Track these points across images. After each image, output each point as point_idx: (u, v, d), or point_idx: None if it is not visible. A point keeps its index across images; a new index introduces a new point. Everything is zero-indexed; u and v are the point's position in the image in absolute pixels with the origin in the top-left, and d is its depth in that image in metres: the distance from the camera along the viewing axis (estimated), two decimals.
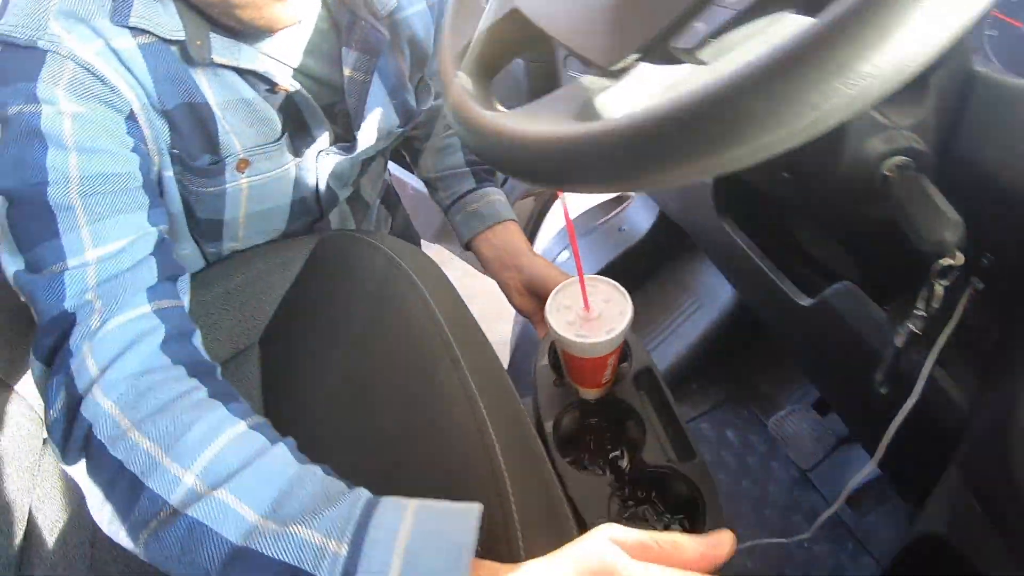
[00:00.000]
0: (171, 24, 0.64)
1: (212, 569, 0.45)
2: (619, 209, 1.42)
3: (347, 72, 0.76)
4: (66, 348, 0.54)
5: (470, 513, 0.46)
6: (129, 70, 0.62)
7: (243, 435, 0.52)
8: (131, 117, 0.63)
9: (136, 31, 0.62)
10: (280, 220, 0.83)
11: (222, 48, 0.66)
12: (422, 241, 1.40)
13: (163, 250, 0.63)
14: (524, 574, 0.45)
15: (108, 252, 0.58)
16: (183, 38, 0.64)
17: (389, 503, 0.48)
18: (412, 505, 0.47)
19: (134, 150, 0.63)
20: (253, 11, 0.63)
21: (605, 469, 0.74)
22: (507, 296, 0.94)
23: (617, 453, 0.75)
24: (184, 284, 0.65)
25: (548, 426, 0.74)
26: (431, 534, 0.45)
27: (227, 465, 0.49)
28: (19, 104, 0.57)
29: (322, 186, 0.83)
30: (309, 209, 0.85)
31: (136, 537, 0.48)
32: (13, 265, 0.58)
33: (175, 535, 0.46)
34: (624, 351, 0.80)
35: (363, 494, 0.49)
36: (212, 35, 0.66)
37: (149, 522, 0.48)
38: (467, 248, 0.97)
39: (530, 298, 0.92)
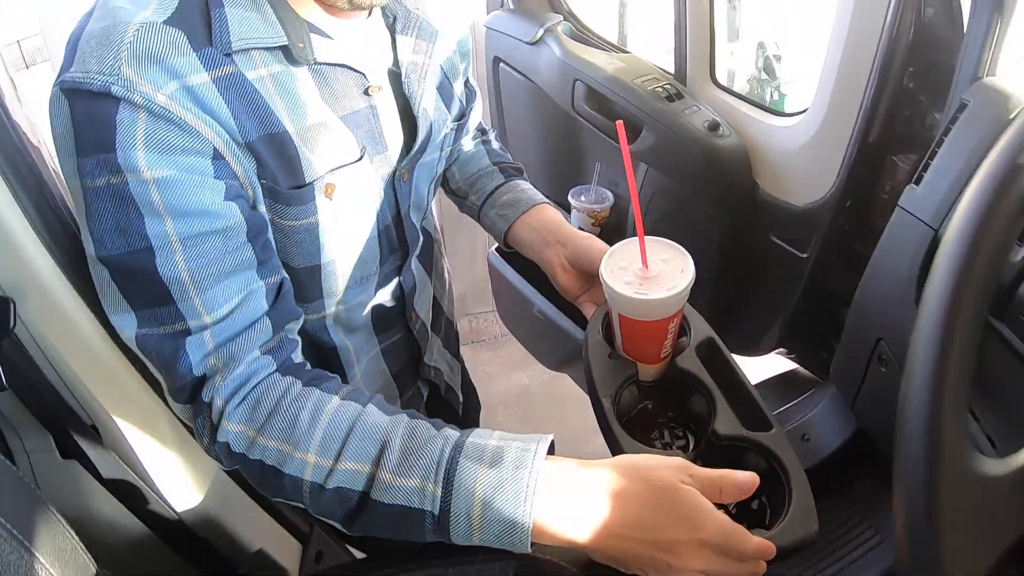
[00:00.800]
0: (272, 32, 0.66)
1: (357, 515, 0.61)
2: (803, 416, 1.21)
3: (407, 58, 0.79)
4: (199, 400, 0.64)
5: (542, 444, 0.60)
6: (206, 109, 0.62)
7: (340, 407, 0.64)
8: (217, 156, 0.63)
9: (219, 62, 0.63)
10: (373, 260, 0.83)
11: (320, 48, 0.70)
12: None
13: (278, 304, 0.68)
14: (597, 477, 0.58)
15: (220, 316, 0.63)
16: (286, 43, 0.66)
17: (471, 445, 0.60)
18: (491, 444, 0.60)
19: (228, 196, 0.64)
20: None
21: (672, 444, 0.72)
22: (552, 277, 0.90)
23: (684, 429, 0.73)
24: (299, 320, 0.71)
25: (607, 403, 0.71)
26: (506, 487, 0.58)
27: (336, 437, 0.62)
28: (105, 176, 0.58)
29: (403, 208, 0.84)
30: (393, 245, 0.86)
31: (299, 503, 0.63)
32: (130, 328, 0.63)
33: (325, 499, 0.61)
34: (683, 326, 0.78)
35: (450, 435, 0.62)
36: (312, 36, 0.69)
37: (300, 496, 0.62)
38: (506, 242, 0.96)
39: (575, 275, 0.88)
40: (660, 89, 1.34)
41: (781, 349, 1.53)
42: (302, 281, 0.77)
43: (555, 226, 0.92)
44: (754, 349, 1.53)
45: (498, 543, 0.57)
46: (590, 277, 0.86)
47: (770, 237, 1.30)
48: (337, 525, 0.63)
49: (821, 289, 1.31)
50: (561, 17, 1.57)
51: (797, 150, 1.21)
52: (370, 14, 0.76)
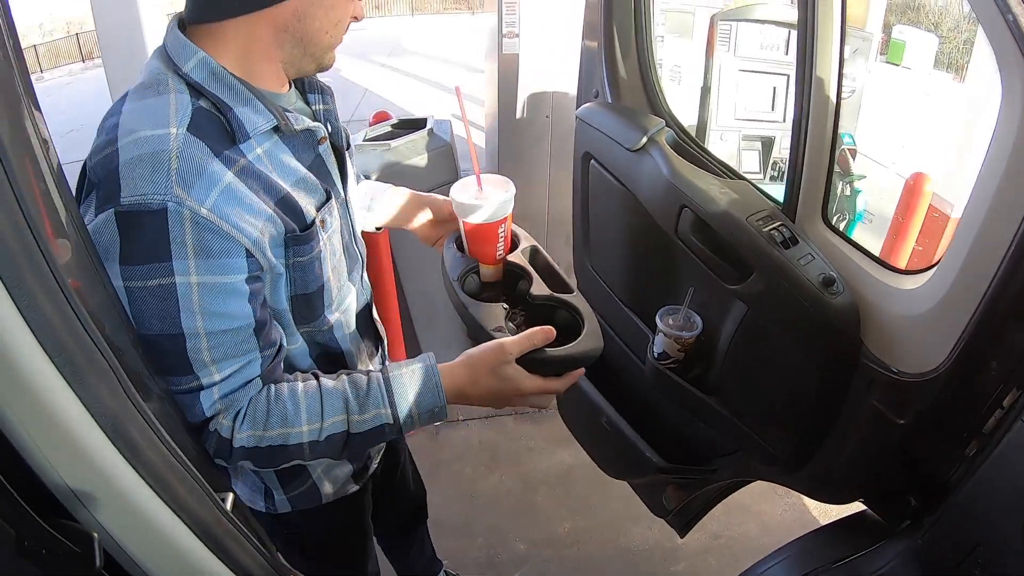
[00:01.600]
0: (265, 119, 0.86)
1: (344, 447, 0.90)
2: None
3: (320, 109, 1.03)
4: (207, 431, 0.86)
5: (431, 359, 0.95)
6: (240, 201, 0.81)
7: (306, 388, 0.90)
8: (248, 255, 0.82)
9: (237, 154, 0.83)
10: (345, 271, 1.06)
11: (292, 120, 0.90)
12: None
13: (270, 364, 0.90)
14: (465, 371, 0.94)
15: (228, 375, 0.85)
16: (276, 123, 0.87)
17: (395, 377, 0.92)
18: (405, 371, 0.92)
19: (249, 299, 0.85)
20: (331, 55, 0.94)
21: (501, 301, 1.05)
22: (420, 234, 1.29)
23: (513, 303, 1.07)
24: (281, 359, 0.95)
25: (456, 283, 1.07)
26: (422, 381, 0.92)
27: (315, 408, 0.88)
28: (156, 279, 0.76)
29: (354, 227, 1.10)
30: (354, 256, 1.10)
31: (299, 459, 0.90)
32: (150, 382, 0.77)
33: (320, 448, 0.89)
34: (514, 240, 1.12)
35: (376, 376, 0.92)
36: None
37: (302, 455, 0.89)
38: (378, 226, 1.30)
39: (437, 225, 1.27)
40: (776, 232, 1.25)
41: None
42: (313, 301, 0.98)
43: (414, 197, 1.28)
44: (830, 497, 1.49)
45: (429, 422, 0.94)
46: (447, 225, 1.25)
47: (866, 397, 1.22)
48: (330, 458, 0.95)
49: (913, 453, 1.23)
50: (663, 123, 1.50)
51: (916, 316, 1.12)
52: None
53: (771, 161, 2.99)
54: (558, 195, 2.53)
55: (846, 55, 2.84)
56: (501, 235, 1.06)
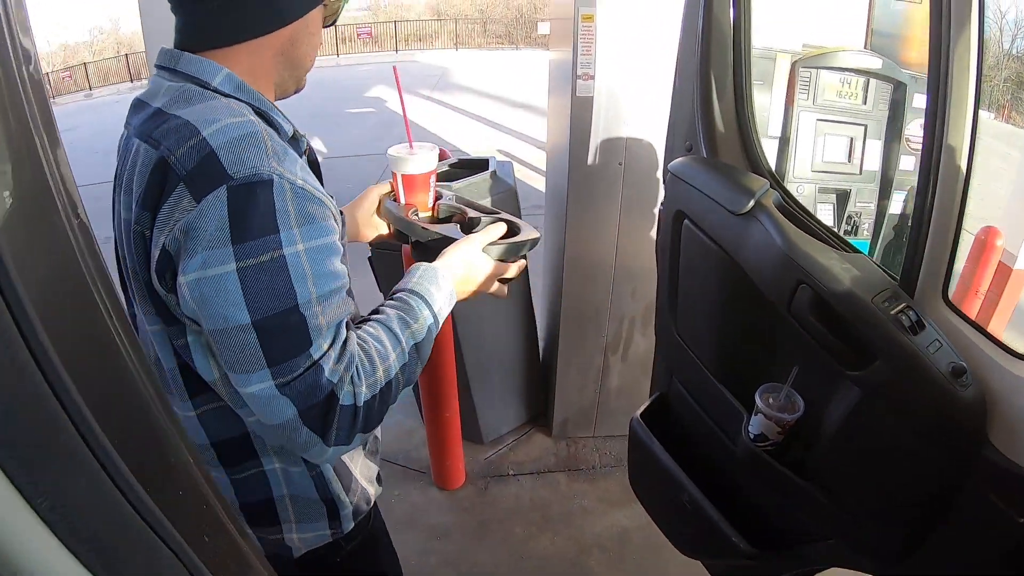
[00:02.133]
0: (288, 125, 0.97)
1: (420, 355, 0.99)
2: None
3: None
4: (341, 406, 0.85)
5: (434, 268, 1.07)
6: (314, 177, 0.90)
7: (374, 324, 0.95)
8: (334, 218, 0.89)
9: (292, 147, 0.93)
10: None
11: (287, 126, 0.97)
12: None
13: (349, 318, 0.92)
14: (457, 266, 1.10)
15: (334, 338, 0.86)
16: (294, 130, 0.98)
17: (423, 290, 1.02)
18: (425, 282, 1.03)
19: (343, 256, 0.91)
20: (305, 78, 1.03)
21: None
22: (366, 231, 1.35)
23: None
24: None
25: (402, 215, 1.24)
26: (437, 284, 1.04)
27: (390, 336, 0.94)
28: (269, 252, 0.79)
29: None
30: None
31: (406, 384, 0.96)
32: (259, 381, 0.81)
33: (412, 365, 0.97)
34: (439, 195, 1.30)
35: (407, 294, 1.01)
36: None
37: (405, 377, 0.96)
38: None
39: (370, 222, 1.34)
40: (903, 316, 1.12)
41: None
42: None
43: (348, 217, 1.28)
44: None
45: (449, 310, 1.06)
46: (376, 215, 1.34)
47: (987, 496, 1.10)
48: (412, 375, 0.97)
49: None
50: (768, 184, 1.37)
51: None
52: None
53: (846, 215, 2.85)
54: (628, 246, 2.41)
55: (920, 104, 2.69)
56: (432, 184, 1.26)
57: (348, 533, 1.15)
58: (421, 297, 1.00)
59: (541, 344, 2.89)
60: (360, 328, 0.93)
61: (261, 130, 0.83)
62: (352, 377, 0.86)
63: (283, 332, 0.81)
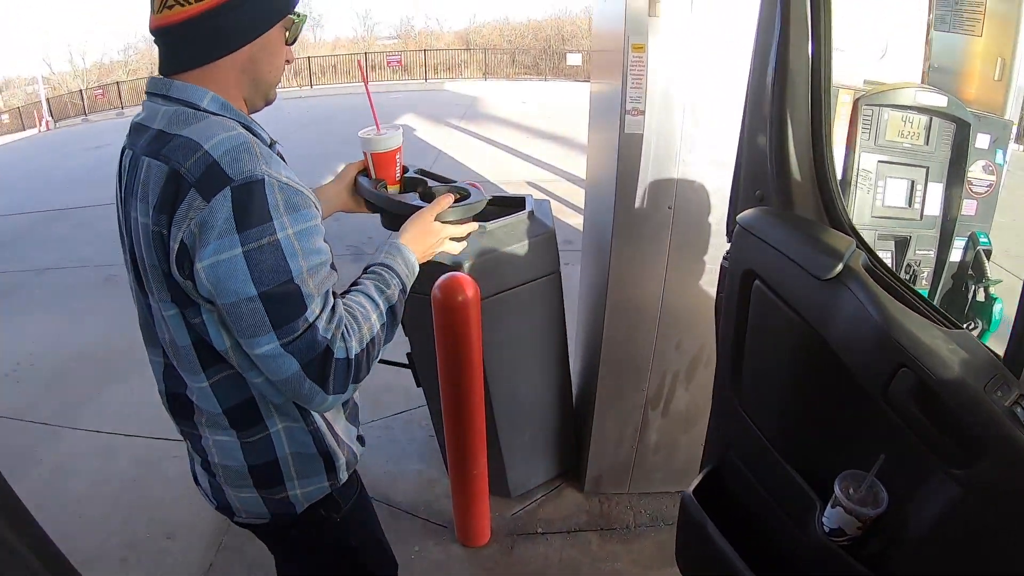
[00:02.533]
0: (266, 135, 1.17)
1: (394, 315, 1.19)
2: None
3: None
4: (336, 359, 1.06)
5: (397, 240, 1.29)
6: (293, 174, 1.08)
7: (355, 292, 1.18)
8: (314, 205, 1.08)
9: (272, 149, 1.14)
10: None
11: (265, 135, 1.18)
12: None
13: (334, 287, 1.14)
14: (414, 237, 1.30)
15: (323, 304, 1.06)
16: (269, 140, 1.17)
17: (392, 261, 1.25)
18: (392, 254, 1.26)
19: (324, 237, 1.09)
20: (274, 92, 1.21)
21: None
22: (344, 207, 1.49)
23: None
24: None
25: (372, 188, 1.42)
26: (401, 254, 1.27)
27: (369, 301, 1.16)
28: (267, 237, 0.99)
29: None
30: None
31: (384, 340, 1.17)
32: (267, 343, 1.02)
33: (390, 324, 1.18)
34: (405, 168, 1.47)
35: (379, 266, 1.24)
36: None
37: (384, 335, 1.17)
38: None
39: (345, 194, 1.48)
40: (1020, 409, 0.96)
41: None
42: None
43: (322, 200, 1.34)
44: None
45: (413, 276, 1.28)
46: (349, 187, 1.48)
47: None
48: (390, 332, 1.19)
49: None
50: (854, 244, 1.20)
51: None
52: None
53: (905, 263, 2.66)
54: (674, 295, 2.23)
55: (983, 145, 2.49)
56: (398, 161, 1.43)
57: (343, 488, 1.33)
58: (389, 267, 1.23)
59: (574, 390, 2.71)
60: (345, 296, 1.16)
61: (250, 140, 1.03)
62: (343, 334, 1.07)
63: (283, 299, 1.01)
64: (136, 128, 1.10)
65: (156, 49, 1.12)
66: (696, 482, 1.61)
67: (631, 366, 2.36)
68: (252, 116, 1.17)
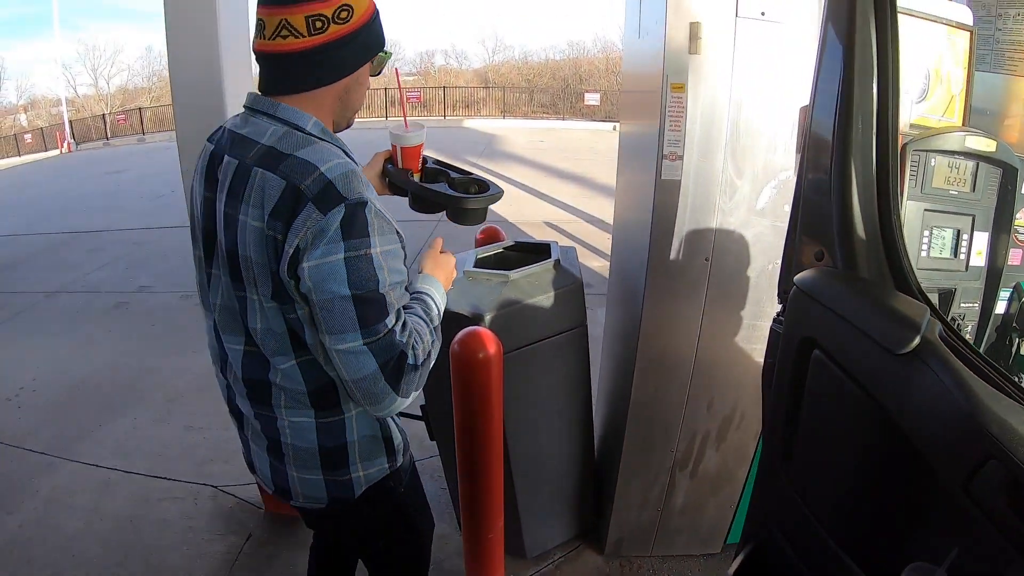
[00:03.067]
0: (353, 158, 1.29)
1: (438, 335, 1.34)
2: None
3: None
4: (407, 365, 1.21)
5: (429, 274, 1.46)
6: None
7: (413, 314, 1.30)
8: (397, 232, 1.24)
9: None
10: None
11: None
12: None
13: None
14: (435, 268, 1.47)
15: (399, 315, 1.22)
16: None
17: (432, 293, 1.39)
18: (430, 287, 1.41)
19: (404, 260, 1.26)
20: (354, 117, 1.38)
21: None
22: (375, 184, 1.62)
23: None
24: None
25: (405, 175, 1.59)
26: (434, 286, 1.43)
27: (425, 322, 1.31)
28: (364, 249, 1.15)
29: None
30: None
31: (433, 354, 1.30)
32: (353, 340, 1.16)
33: (438, 342, 1.33)
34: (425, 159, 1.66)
35: (422, 295, 1.38)
36: None
37: (435, 351, 1.31)
38: None
39: (380, 179, 1.65)
40: None
41: None
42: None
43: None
44: None
45: (443, 302, 1.43)
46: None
47: None
48: (437, 348, 1.32)
49: None
50: (928, 312, 1.08)
51: None
52: None
53: (949, 317, 2.52)
54: (709, 353, 2.09)
55: None
56: (422, 153, 1.61)
57: (400, 465, 1.48)
58: (428, 294, 1.38)
59: (595, 444, 2.56)
60: (407, 315, 1.28)
61: (357, 168, 1.20)
62: (413, 343, 1.22)
63: (370, 303, 1.16)
64: (240, 139, 1.25)
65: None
66: (738, 562, 1.47)
67: (660, 426, 2.21)
68: (336, 130, 1.36)
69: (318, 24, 1.19)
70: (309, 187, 1.13)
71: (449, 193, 1.52)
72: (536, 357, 2.10)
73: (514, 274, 2.04)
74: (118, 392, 4.01)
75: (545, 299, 2.05)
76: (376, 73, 1.35)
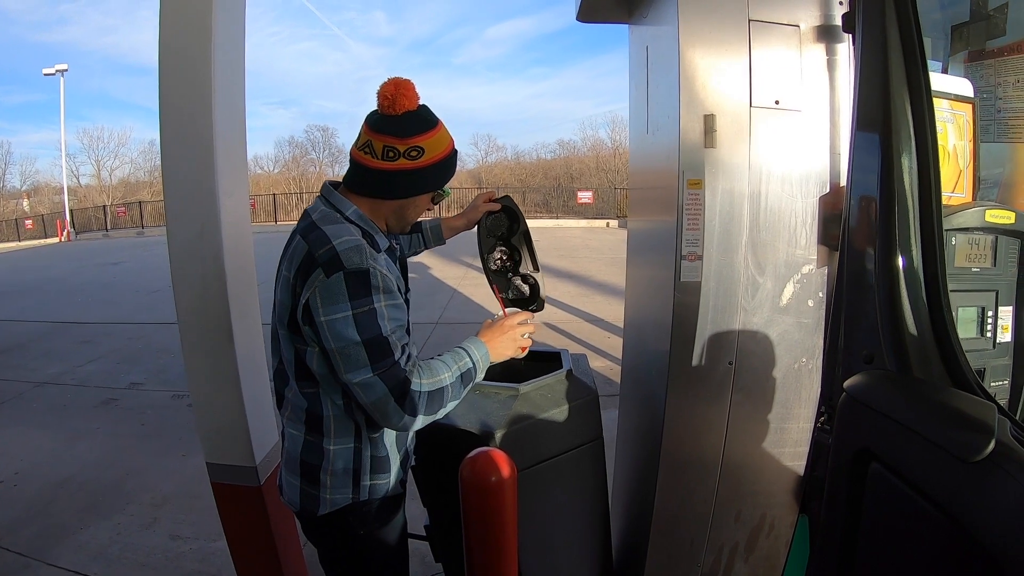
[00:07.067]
0: (384, 242, 1.61)
1: (464, 383, 1.59)
2: None
3: (395, 243, 1.71)
4: (411, 390, 1.46)
5: (475, 336, 1.72)
6: (389, 270, 1.50)
7: (440, 361, 1.57)
8: (399, 290, 1.52)
9: (378, 252, 1.55)
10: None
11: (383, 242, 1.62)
12: None
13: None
14: (485, 333, 1.72)
15: (402, 353, 1.47)
16: (389, 244, 1.64)
17: (467, 348, 1.64)
18: (471, 342, 1.66)
19: (404, 310, 1.54)
20: (407, 226, 1.70)
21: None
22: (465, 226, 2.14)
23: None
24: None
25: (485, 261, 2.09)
26: (476, 344, 1.67)
27: (444, 366, 1.55)
28: (368, 305, 1.42)
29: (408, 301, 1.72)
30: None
31: (452, 399, 1.55)
32: (362, 375, 1.43)
33: (458, 387, 1.56)
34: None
35: (459, 348, 1.64)
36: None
37: (453, 394, 1.55)
38: (443, 237, 2.22)
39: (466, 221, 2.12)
40: None
41: None
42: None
43: (458, 224, 2.16)
44: None
45: (485, 365, 1.64)
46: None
47: None
48: (458, 393, 1.56)
49: None
50: (995, 411, 0.99)
51: None
52: None
53: None
54: (734, 462, 1.96)
55: None
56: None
57: (363, 501, 1.64)
58: (465, 350, 1.61)
59: (613, 555, 2.38)
60: (427, 359, 1.55)
61: (364, 244, 1.46)
62: (418, 371, 1.48)
63: (377, 345, 1.43)
64: (304, 215, 1.60)
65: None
66: None
67: (685, 540, 2.04)
68: (390, 230, 1.67)
69: (390, 154, 1.52)
70: (322, 255, 1.43)
71: (501, 296, 2.04)
72: (550, 474, 1.97)
73: (524, 387, 1.94)
74: (103, 493, 3.82)
75: (559, 413, 1.94)
76: (435, 203, 1.70)
